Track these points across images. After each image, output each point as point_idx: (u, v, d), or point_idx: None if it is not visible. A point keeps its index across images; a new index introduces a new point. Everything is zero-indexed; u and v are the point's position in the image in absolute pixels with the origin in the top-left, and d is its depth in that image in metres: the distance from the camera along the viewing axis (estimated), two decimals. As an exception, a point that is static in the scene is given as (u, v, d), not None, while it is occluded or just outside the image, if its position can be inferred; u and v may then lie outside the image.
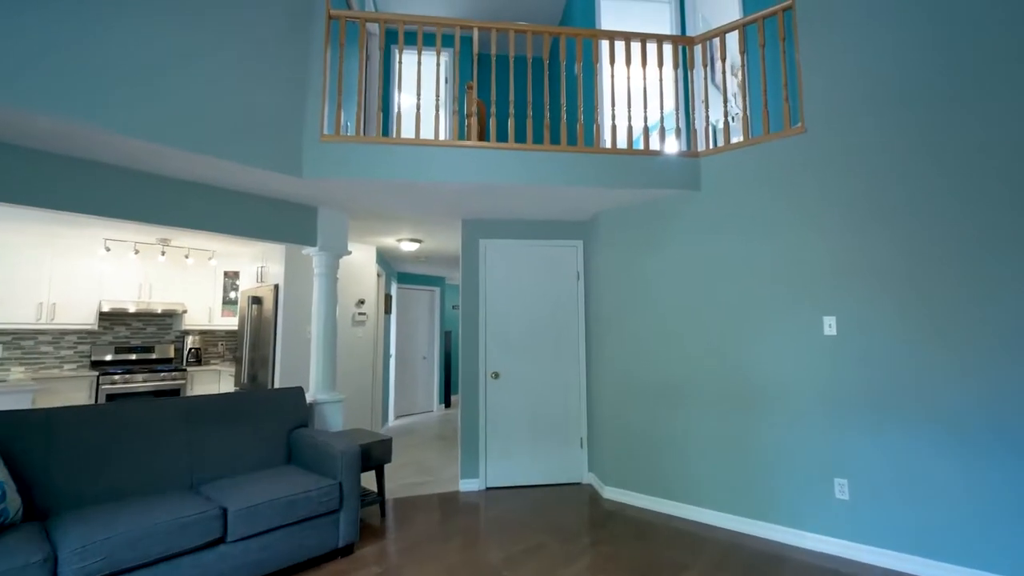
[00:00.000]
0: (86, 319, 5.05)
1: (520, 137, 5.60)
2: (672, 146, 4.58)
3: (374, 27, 4.67)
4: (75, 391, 4.85)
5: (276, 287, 4.65)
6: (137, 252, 5.11)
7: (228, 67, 2.75)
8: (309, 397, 3.69)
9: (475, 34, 3.37)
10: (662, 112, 3.47)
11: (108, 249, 4.92)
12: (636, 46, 4.47)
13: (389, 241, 5.19)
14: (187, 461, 2.75)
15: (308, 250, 3.82)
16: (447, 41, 5.54)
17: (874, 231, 2.77)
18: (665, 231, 3.63)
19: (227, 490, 2.55)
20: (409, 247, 5.17)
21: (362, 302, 5.25)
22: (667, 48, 4.46)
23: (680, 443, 3.45)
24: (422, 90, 5.17)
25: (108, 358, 5.34)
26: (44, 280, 4.79)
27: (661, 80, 3.43)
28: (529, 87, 3.39)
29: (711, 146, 3.66)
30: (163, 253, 5.28)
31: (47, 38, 2.13)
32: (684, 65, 4.29)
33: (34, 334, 4.97)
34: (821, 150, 2.97)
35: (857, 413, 2.77)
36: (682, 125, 4.29)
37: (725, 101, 3.41)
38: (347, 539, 2.79)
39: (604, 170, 3.34)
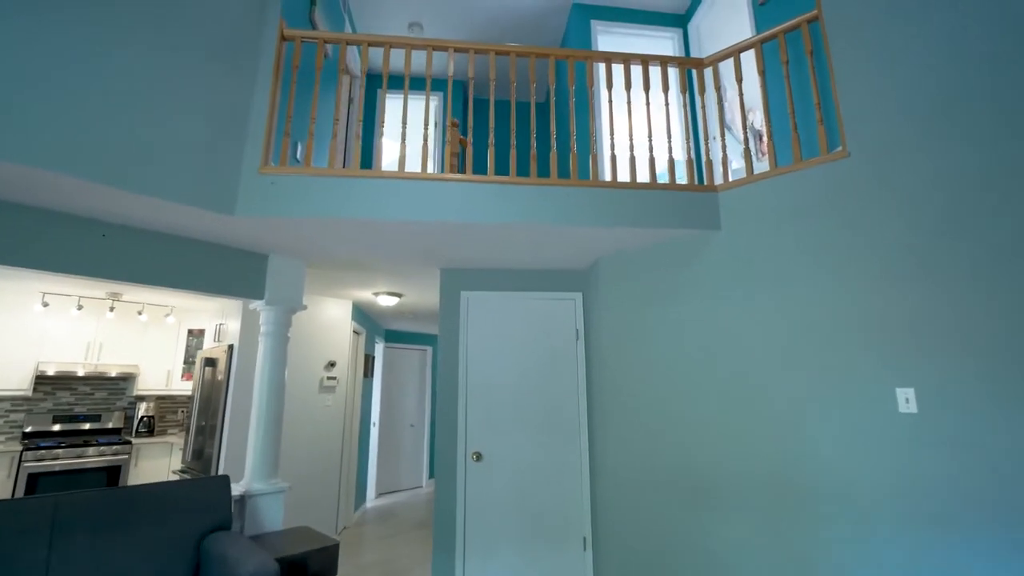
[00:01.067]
0: (19, 384, 4.43)
1: (502, 169, 5.13)
2: (683, 179, 4.06)
3: (355, 66, 4.32)
4: (-10, 471, 4.15)
5: (230, 347, 4.03)
6: (81, 308, 4.56)
7: (141, 85, 2.28)
8: (242, 487, 2.97)
9: (450, 55, 2.94)
10: (669, 142, 2.94)
11: (46, 304, 4.38)
12: (637, 69, 4.05)
13: (365, 295, 4.62)
14: (39, 589, 2.02)
15: (255, 304, 3.23)
16: (420, 67, 5.21)
17: (960, 279, 2.10)
18: (680, 280, 2.99)
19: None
20: (387, 301, 4.58)
21: (332, 364, 4.59)
22: (673, 72, 4.03)
23: (709, 556, 2.63)
24: (399, 125, 4.78)
25: (46, 428, 4.68)
26: (-26, 339, 4.23)
27: (668, 105, 2.93)
28: (513, 113, 2.90)
29: (730, 179, 3.10)
30: (112, 308, 4.73)
31: None
32: (692, 90, 3.83)
33: (-43, 402, 4.35)
34: (873, 176, 2.37)
35: (951, 520, 1.99)
36: (693, 156, 3.77)
37: (745, 127, 2.87)
38: None
39: (603, 206, 2.77)
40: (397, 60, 4.71)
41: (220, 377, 4.10)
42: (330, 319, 4.67)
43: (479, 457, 3.37)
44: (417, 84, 5.02)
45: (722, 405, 2.72)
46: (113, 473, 4.61)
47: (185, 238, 2.88)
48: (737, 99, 3.22)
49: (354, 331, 4.97)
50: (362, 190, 2.62)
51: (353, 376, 5.13)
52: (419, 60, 4.84)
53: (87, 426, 4.90)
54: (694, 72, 3.31)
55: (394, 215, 2.62)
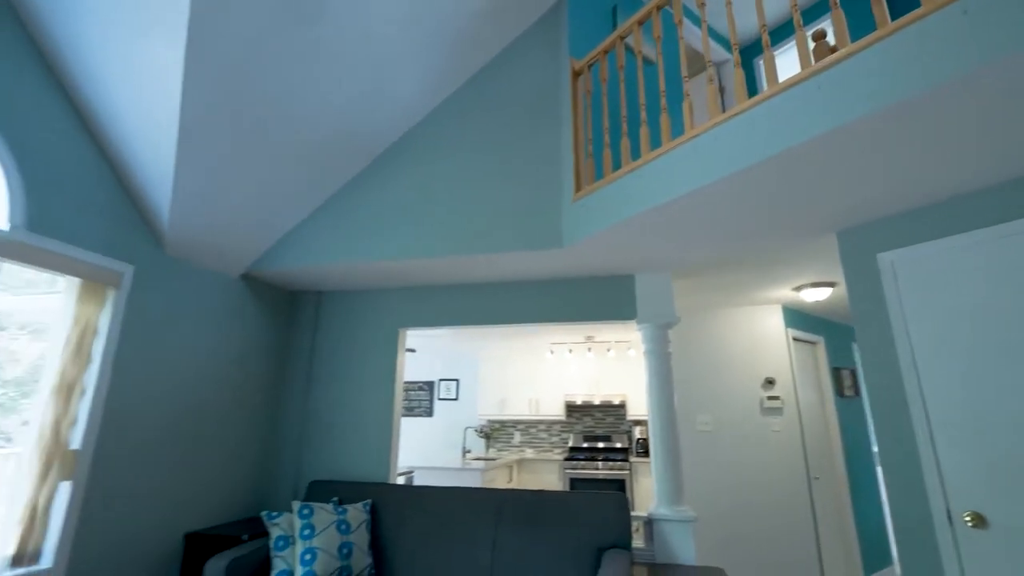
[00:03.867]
0: (556, 411, 6.15)
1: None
2: None
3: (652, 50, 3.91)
4: (548, 473, 5.84)
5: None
6: (571, 351, 5.92)
7: (488, 174, 3.00)
8: (649, 510, 2.92)
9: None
10: None
11: (552, 352, 5.97)
12: None
13: (789, 294, 3.75)
14: (488, 560, 2.68)
15: (632, 324, 3.29)
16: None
17: None
18: None
19: (493, 607, 2.27)
20: (814, 296, 3.53)
21: (770, 382, 3.88)
22: None
23: None
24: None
25: (578, 445, 6.21)
26: (529, 378, 6.28)
27: None
28: (830, -37, 1.84)
29: None
30: (589, 350, 5.88)
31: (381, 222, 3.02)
32: None
33: (531, 424, 6.48)
34: None
35: None
36: None
37: None
38: None
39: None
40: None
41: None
42: (757, 330, 4.04)
43: (979, 521, 1.93)
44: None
45: None
46: (620, 485, 5.49)
47: (550, 279, 3.37)
48: None
49: (794, 339, 4.05)
50: (652, 172, 2.29)
51: (818, 395, 4.12)
52: None
53: (601, 444, 6.13)
54: None
55: (704, 177, 2.03)
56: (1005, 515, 1.89)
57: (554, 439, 6.45)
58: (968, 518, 1.95)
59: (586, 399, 6.05)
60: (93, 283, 2.41)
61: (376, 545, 2.84)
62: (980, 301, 2.04)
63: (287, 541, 2.60)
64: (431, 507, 2.90)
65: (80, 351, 2.35)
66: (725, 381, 4.00)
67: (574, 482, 5.62)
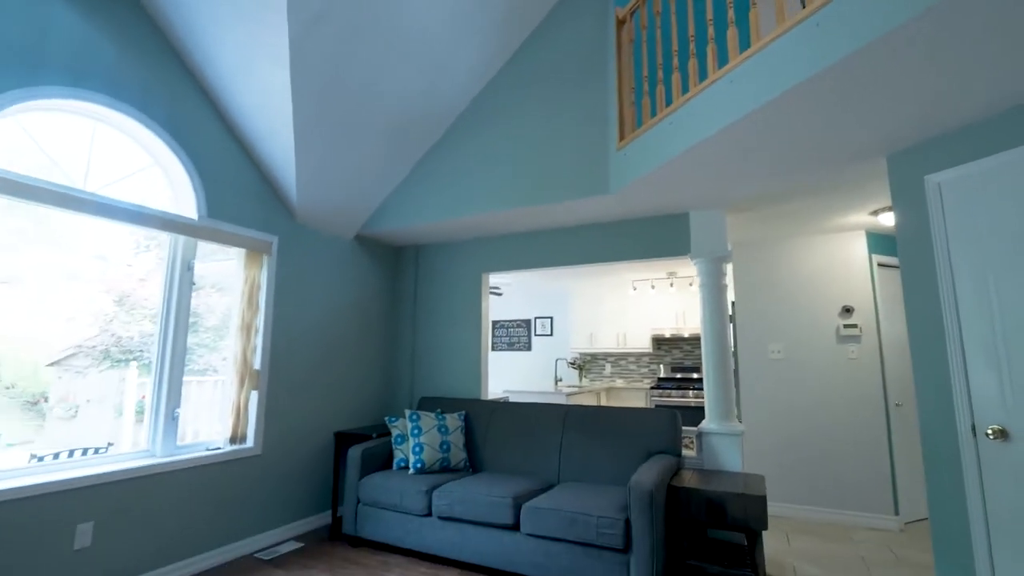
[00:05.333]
0: (643, 344, 6.47)
1: None
2: None
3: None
4: (636, 401, 6.27)
5: (732, 304, 4.32)
6: (653, 287, 6.10)
7: (543, 133, 3.33)
8: (701, 425, 3.26)
9: None
10: None
11: (635, 288, 6.19)
12: None
13: (867, 219, 3.60)
14: (556, 458, 3.27)
15: (687, 260, 3.49)
16: None
17: None
18: None
19: (556, 492, 2.87)
20: (891, 219, 3.36)
21: (848, 310, 3.83)
22: None
23: None
24: None
25: (668, 375, 6.50)
26: (617, 314, 6.63)
27: None
28: None
29: None
30: (671, 285, 6.00)
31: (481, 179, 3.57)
32: None
33: (620, 356, 6.88)
34: None
35: None
36: None
37: None
38: (641, 593, 2.37)
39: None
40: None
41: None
42: (837, 258, 3.94)
43: (1002, 434, 2.02)
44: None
45: None
46: (700, 411, 5.74)
47: (609, 222, 3.66)
48: None
49: (879, 265, 3.88)
50: (683, 116, 2.46)
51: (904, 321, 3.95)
52: None
53: (693, 375, 6.35)
54: None
55: (741, 108, 2.07)
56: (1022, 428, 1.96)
57: (643, 370, 6.81)
58: (990, 432, 2.04)
59: (675, 332, 6.26)
60: (253, 251, 3.29)
61: (469, 445, 3.58)
62: (1018, 221, 2.00)
63: (403, 438, 3.43)
64: (511, 417, 3.55)
65: (251, 301, 3.27)
66: (799, 310, 4.01)
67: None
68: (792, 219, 3.65)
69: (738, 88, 2.13)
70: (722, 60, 3.10)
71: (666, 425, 3.13)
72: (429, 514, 2.98)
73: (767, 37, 2.00)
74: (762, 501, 2.54)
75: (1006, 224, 2.05)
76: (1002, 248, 2.06)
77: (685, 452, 3.29)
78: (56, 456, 2.51)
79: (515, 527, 2.73)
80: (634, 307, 6.53)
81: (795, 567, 2.97)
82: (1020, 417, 1.98)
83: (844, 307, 3.86)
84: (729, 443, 3.12)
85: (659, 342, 6.64)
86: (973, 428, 2.11)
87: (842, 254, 3.92)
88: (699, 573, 2.76)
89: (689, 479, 2.84)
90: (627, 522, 2.45)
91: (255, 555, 3.09)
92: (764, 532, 3.48)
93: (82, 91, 2.43)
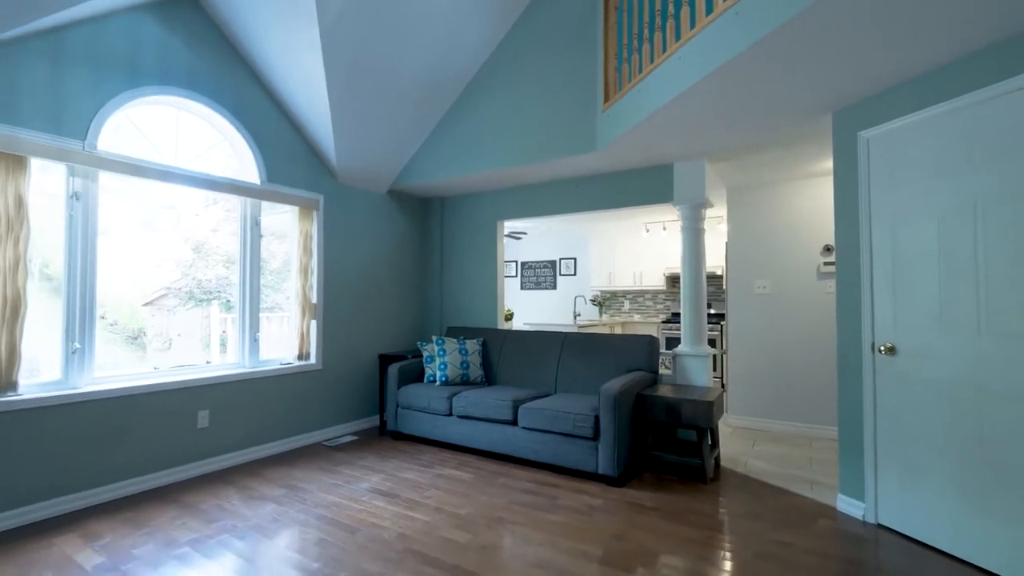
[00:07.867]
0: (657, 283, 6.94)
1: None
2: None
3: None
4: (649, 332, 6.83)
5: (725, 244, 4.73)
6: (665, 229, 6.47)
7: (539, 98, 3.77)
8: (676, 349, 3.84)
9: None
10: None
11: (647, 230, 6.59)
12: None
13: (849, 164, 3.87)
14: (554, 374, 3.98)
15: (669, 206, 3.93)
16: None
17: None
18: None
19: (550, 398, 3.59)
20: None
21: (828, 249, 4.18)
22: None
23: None
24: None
25: (678, 311, 7.00)
26: (632, 255, 7.09)
27: None
28: None
29: None
30: (663, 228, 6.34)
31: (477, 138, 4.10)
32: None
33: (637, 294, 7.40)
34: None
35: None
36: None
37: None
38: (605, 470, 3.09)
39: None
40: None
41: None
42: (820, 202, 4.24)
43: (891, 351, 2.50)
44: None
45: None
46: (712, 343, 6.26)
47: (603, 174, 4.11)
48: None
49: (862, 208, 4.15)
50: (652, 82, 2.86)
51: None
52: None
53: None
54: None
55: (708, 63, 2.55)
56: (909, 346, 2.43)
57: (659, 307, 7.32)
58: (883, 348, 2.53)
59: (675, 272, 6.68)
60: (305, 208, 4.02)
61: (485, 364, 4.35)
62: (923, 175, 2.37)
63: (431, 359, 4.23)
64: (520, 342, 4.26)
65: (306, 248, 4.04)
66: (784, 249, 4.39)
67: (670, 341, 6.57)
68: (774, 167, 3.97)
69: (685, 64, 2.54)
70: (678, 35, 3.35)
71: (645, 348, 3.74)
72: (451, 414, 3.80)
73: (704, 21, 2.38)
74: (709, 405, 3.16)
75: (914, 177, 2.42)
76: (906, 198, 2.45)
77: (664, 371, 3.91)
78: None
79: (514, 422, 3.50)
80: (647, 248, 6.96)
81: (747, 463, 3.60)
82: (904, 336, 2.46)
83: (826, 246, 4.21)
84: (698, 363, 3.70)
85: (673, 280, 7.09)
86: (872, 345, 2.60)
87: (825, 198, 4.21)
88: (659, 460, 3.46)
89: (662, 391, 3.47)
90: (596, 418, 3.15)
91: (322, 443, 4.06)
92: (721, 433, 4.12)
93: (168, 87, 3.12)
